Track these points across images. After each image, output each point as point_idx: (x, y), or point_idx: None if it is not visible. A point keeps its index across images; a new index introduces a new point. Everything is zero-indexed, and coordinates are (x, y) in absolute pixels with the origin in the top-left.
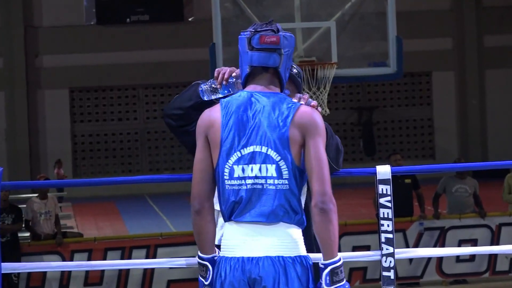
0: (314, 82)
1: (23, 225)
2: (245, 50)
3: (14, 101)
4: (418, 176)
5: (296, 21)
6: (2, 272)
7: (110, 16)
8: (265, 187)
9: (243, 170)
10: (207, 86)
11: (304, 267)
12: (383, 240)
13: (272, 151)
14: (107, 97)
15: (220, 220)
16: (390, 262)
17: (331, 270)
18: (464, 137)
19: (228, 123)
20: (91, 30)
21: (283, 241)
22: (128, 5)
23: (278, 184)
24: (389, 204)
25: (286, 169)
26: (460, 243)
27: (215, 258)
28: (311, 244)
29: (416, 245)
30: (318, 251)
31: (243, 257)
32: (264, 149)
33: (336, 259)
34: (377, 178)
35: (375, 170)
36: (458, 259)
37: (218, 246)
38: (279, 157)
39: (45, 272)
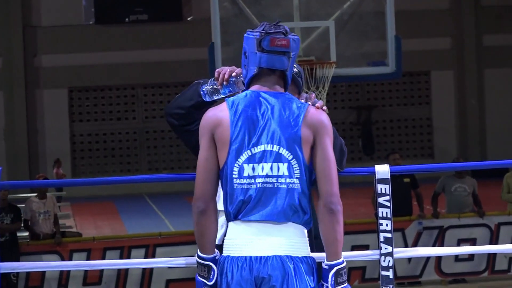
0: (313, 81)
1: (22, 225)
2: (254, 50)
3: (13, 100)
4: (417, 175)
5: (295, 20)
6: (1, 271)
7: (108, 16)
8: (276, 186)
9: (253, 169)
10: (208, 87)
11: (311, 268)
12: (382, 239)
13: (285, 150)
14: (106, 96)
15: (221, 219)
16: (389, 261)
17: (336, 271)
18: (463, 137)
19: (238, 122)
20: (90, 29)
21: (292, 240)
22: (127, 5)
23: (290, 183)
24: (388, 204)
25: (298, 168)
26: (459, 243)
27: (217, 258)
28: (312, 244)
29: (415, 245)
30: (318, 251)
31: (250, 256)
32: (275, 148)
33: (340, 260)
34: (376, 178)
35: (374, 169)
36: (457, 258)
37: (218, 246)
38: (291, 156)
39: (44, 272)
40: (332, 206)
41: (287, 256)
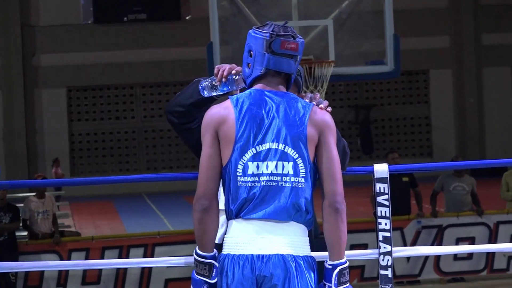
0: (312, 80)
1: (21, 224)
2: (262, 51)
3: (12, 100)
4: (415, 174)
5: (293, 19)
6: (0, 271)
7: (107, 15)
8: (280, 185)
9: (257, 167)
10: (207, 82)
11: (312, 267)
12: (380, 238)
13: (290, 149)
14: (105, 96)
15: (221, 218)
16: (388, 260)
17: (340, 271)
18: (462, 135)
19: (243, 120)
20: (88, 29)
21: (294, 240)
22: (125, 4)
23: (294, 182)
24: (386, 203)
25: (303, 167)
26: (458, 241)
27: (216, 256)
28: (312, 244)
29: (413, 243)
30: (318, 249)
31: (252, 255)
32: (281, 146)
33: (344, 260)
34: (375, 177)
35: (373, 168)
36: (456, 257)
37: (218, 245)
38: (296, 155)
39: (42, 271)
40: (337, 205)
41: (289, 255)
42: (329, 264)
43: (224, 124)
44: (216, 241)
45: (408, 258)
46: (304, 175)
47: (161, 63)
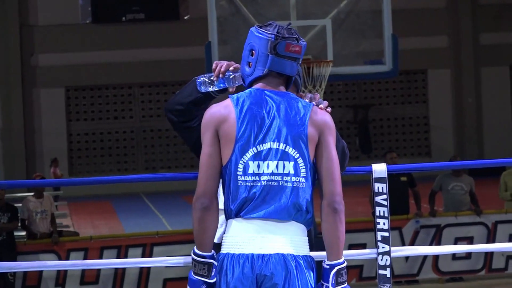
0: (310, 80)
1: (19, 224)
2: (265, 52)
3: (10, 100)
4: (414, 174)
5: (291, 19)
6: None
7: (105, 15)
8: (281, 184)
9: (258, 166)
10: (204, 78)
11: (311, 267)
12: (379, 238)
13: (291, 148)
14: (103, 95)
15: (221, 218)
16: (386, 260)
17: (337, 271)
18: (460, 135)
19: (244, 119)
20: (86, 28)
21: (294, 239)
22: (123, 4)
23: (295, 181)
24: (385, 203)
25: (304, 167)
26: (456, 241)
27: (214, 255)
28: (312, 244)
29: (412, 243)
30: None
31: (252, 254)
32: (282, 146)
33: (341, 260)
34: (373, 177)
35: (371, 168)
36: (454, 256)
37: (217, 245)
38: (297, 155)
39: (41, 271)
40: (336, 205)
41: (289, 254)
42: (327, 264)
43: (225, 123)
44: (215, 241)
45: (407, 257)
46: (304, 175)
47: (159, 62)
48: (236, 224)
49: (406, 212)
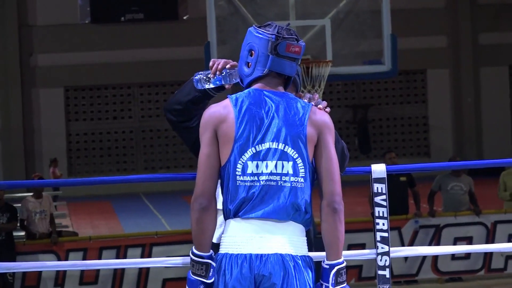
0: (309, 80)
1: (18, 224)
2: (266, 52)
3: (9, 100)
4: (413, 174)
5: (290, 19)
6: None
7: (104, 15)
8: (279, 184)
9: (257, 166)
10: (201, 75)
11: (310, 267)
12: (378, 238)
13: (290, 148)
14: (102, 95)
15: (220, 219)
16: (386, 260)
17: (337, 271)
18: (459, 135)
19: (243, 119)
20: (85, 28)
21: (292, 239)
22: (122, 4)
23: (294, 181)
24: (384, 203)
25: (303, 167)
26: (456, 241)
27: (213, 255)
28: (310, 245)
29: (411, 243)
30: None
31: (251, 254)
32: (281, 146)
33: (341, 260)
34: (372, 177)
35: (370, 168)
36: (454, 257)
37: (215, 245)
38: (296, 155)
39: (40, 271)
40: (335, 205)
41: (287, 254)
42: (326, 264)
43: (224, 123)
44: (214, 241)
45: (406, 257)
46: (303, 175)
47: (158, 63)
48: (235, 224)
49: (406, 212)
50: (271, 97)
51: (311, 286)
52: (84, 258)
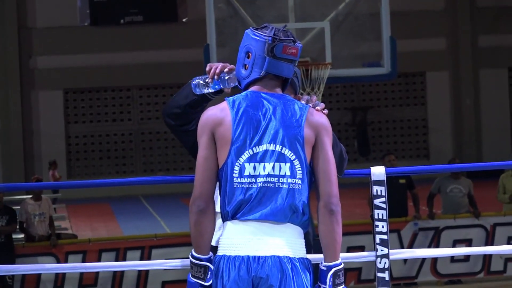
0: (308, 82)
1: (17, 227)
2: (262, 54)
3: (8, 102)
4: (412, 176)
5: (290, 21)
6: None
7: (104, 17)
8: (277, 186)
9: (254, 168)
10: (199, 80)
11: (307, 269)
12: (377, 241)
13: (287, 150)
14: (101, 98)
15: (218, 221)
16: (385, 263)
17: (334, 272)
18: (459, 137)
19: (240, 121)
20: (85, 31)
21: (290, 241)
22: (122, 6)
23: (291, 183)
24: (383, 205)
25: (300, 168)
26: (455, 243)
27: (212, 258)
28: (310, 247)
29: (410, 245)
30: (316, 251)
31: (248, 256)
32: (278, 148)
33: (339, 261)
34: (372, 180)
35: (370, 171)
36: (453, 259)
37: (214, 248)
38: (294, 156)
39: (39, 274)
40: (332, 206)
41: (285, 256)
42: (324, 266)
43: (221, 125)
44: (213, 244)
45: (405, 260)
46: (301, 177)
47: (158, 65)
48: (232, 226)
49: (405, 215)
50: (268, 99)
51: None
52: (83, 261)
